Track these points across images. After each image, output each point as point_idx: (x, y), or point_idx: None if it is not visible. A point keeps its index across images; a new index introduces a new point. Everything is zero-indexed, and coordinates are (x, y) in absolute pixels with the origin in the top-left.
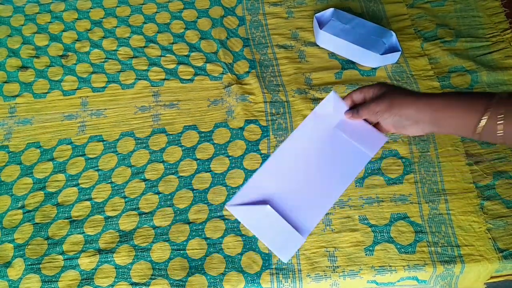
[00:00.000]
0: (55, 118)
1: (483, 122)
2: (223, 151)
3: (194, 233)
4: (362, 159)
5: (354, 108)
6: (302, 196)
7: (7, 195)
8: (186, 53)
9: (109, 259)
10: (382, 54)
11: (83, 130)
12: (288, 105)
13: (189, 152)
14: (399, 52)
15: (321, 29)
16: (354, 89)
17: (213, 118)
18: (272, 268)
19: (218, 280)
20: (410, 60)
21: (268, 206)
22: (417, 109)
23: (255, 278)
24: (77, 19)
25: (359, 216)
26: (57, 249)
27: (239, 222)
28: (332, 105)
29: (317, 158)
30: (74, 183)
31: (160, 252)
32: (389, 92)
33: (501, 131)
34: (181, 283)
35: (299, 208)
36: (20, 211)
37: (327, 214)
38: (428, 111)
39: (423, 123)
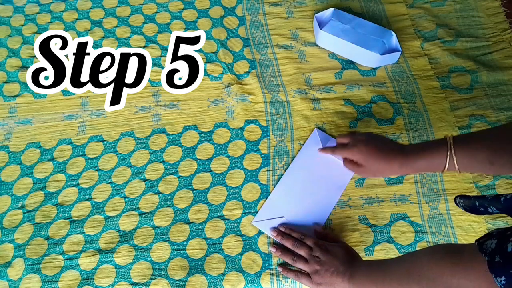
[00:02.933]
0: (55, 118)
1: (446, 166)
2: (223, 151)
3: (194, 233)
4: (348, 173)
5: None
6: (307, 206)
7: (7, 195)
8: None
9: (109, 259)
10: (382, 54)
11: (83, 130)
12: (288, 105)
13: (189, 152)
14: (399, 52)
15: (321, 29)
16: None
17: (213, 118)
18: (272, 268)
19: (218, 280)
20: (410, 60)
21: (284, 218)
22: (391, 173)
23: (255, 278)
24: (77, 19)
25: (359, 216)
26: (57, 249)
27: (239, 222)
28: (318, 138)
29: (314, 177)
30: (74, 183)
31: (160, 252)
32: (370, 163)
33: (457, 167)
34: (181, 283)
35: (306, 217)
36: (20, 211)
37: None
38: (401, 171)
39: (396, 174)
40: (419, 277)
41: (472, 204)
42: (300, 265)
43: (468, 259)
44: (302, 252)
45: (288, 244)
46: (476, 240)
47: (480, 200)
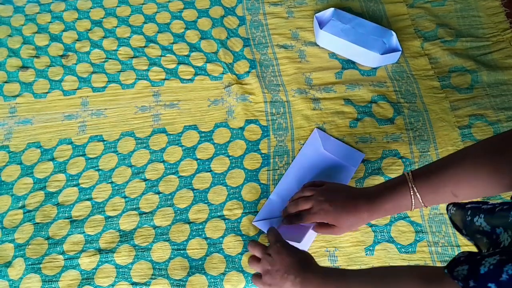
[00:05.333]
0: (55, 118)
1: (412, 205)
2: (223, 151)
3: (194, 233)
4: (348, 172)
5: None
6: None
7: (7, 195)
8: (186, 53)
9: (109, 259)
10: (382, 54)
11: (84, 130)
12: (289, 105)
13: (189, 152)
14: (399, 52)
15: (321, 29)
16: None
17: (213, 118)
18: None
19: (218, 280)
20: (410, 60)
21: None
22: (363, 223)
23: None
24: (77, 19)
25: None
26: (58, 249)
27: (239, 222)
28: (318, 138)
29: (314, 177)
30: (74, 183)
31: (161, 252)
32: (340, 223)
33: (423, 204)
34: (181, 283)
35: None
36: (21, 211)
37: None
38: (371, 218)
39: (368, 221)
40: None
41: (463, 214)
42: (253, 266)
43: None
44: (256, 251)
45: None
46: (444, 268)
47: (474, 210)
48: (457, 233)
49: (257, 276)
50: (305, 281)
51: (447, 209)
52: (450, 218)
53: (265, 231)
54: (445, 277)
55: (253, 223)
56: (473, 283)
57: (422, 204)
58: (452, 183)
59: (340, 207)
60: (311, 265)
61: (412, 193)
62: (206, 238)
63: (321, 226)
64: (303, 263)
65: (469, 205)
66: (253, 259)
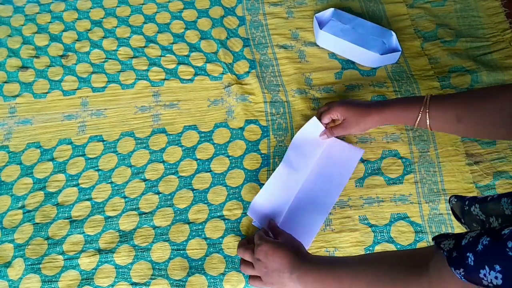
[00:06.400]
0: (55, 118)
1: (418, 117)
2: (223, 151)
3: (194, 233)
4: (347, 169)
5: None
6: (305, 202)
7: (7, 195)
8: (186, 53)
9: (109, 259)
10: (382, 54)
11: (83, 130)
12: (288, 105)
13: (189, 152)
14: (399, 52)
15: (321, 29)
16: (324, 108)
17: (213, 118)
18: None
19: (218, 280)
20: (410, 60)
21: (282, 217)
22: (374, 121)
23: None
24: (77, 19)
25: (359, 216)
26: (57, 249)
27: (239, 222)
28: (313, 126)
29: (315, 163)
30: (74, 183)
31: (160, 252)
32: (350, 113)
33: (428, 122)
34: (181, 283)
35: (304, 213)
36: (20, 211)
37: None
38: (380, 117)
39: (377, 122)
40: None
41: (462, 203)
42: (248, 271)
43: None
44: (246, 257)
45: (238, 253)
46: (433, 239)
47: (471, 200)
48: (457, 232)
49: (256, 278)
50: (302, 275)
51: (449, 200)
52: (452, 209)
53: (257, 224)
54: (429, 259)
55: (253, 224)
56: (456, 254)
57: (428, 122)
58: (459, 106)
59: (351, 103)
60: (303, 257)
61: (422, 109)
62: (205, 238)
63: (333, 127)
64: (294, 257)
65: (467, 197)
66: (246, 264)
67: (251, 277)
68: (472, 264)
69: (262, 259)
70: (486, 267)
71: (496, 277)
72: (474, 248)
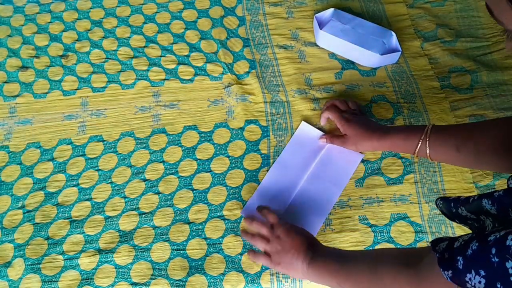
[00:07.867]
0: (55, 118)
1: (418, 146)
2: (223, 151)
3: (194, 233)
4: (356, 158)
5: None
6: (305, 203)
7: (7, 195)
8: (186, 53)
9: (109, 259)
10: (382, 54)
11: (83, 130)
12: (288, 105)
13: (189, 152)
14: (399, 52)
15: (321, 29)
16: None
17: (213, 118)
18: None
19: (218, 280)
20: (410, 60)
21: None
22: (373, 146)
23: (255, 278)
24: (77, 19)
25: (359, 216)
26: (57, 249)
27: (239, 222)
28: (304, 132)
29: (314, 165)
30: (74, 183)
31: (160, 252)
32: (352, 133)
33: (428, 151)
34: (181, 283)
35: (303, 214)
36: (20, 211)
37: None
38: (379, 144)
39: (375, 148)
40: (373, 282)
41: (448, 206)
42: (261, 245)
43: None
44: (263, 230)
45: (252, 226)
46: (430, 242)
47: (455, 202)
48: (457, 232)
49: (262, 255)
50: (313, 261)
51: (436, 204)
52: (442, 211)
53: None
54: (423, 258)
55: (241, 213)
56: (447, 255)
57: (427, 151)
58: (458, 136)
59: (354, 130)
60: (318, 246)
61: (423, 138)
62: (205, 238)
63: (334, 136)
64: (311, 243)
65: (451, 198)
66: (258, 238)
67: (253, 252)
68: (461, 267)
69: (282, 237)
70: (473, 271)
71: (479, 282)
72: (464, 252)
